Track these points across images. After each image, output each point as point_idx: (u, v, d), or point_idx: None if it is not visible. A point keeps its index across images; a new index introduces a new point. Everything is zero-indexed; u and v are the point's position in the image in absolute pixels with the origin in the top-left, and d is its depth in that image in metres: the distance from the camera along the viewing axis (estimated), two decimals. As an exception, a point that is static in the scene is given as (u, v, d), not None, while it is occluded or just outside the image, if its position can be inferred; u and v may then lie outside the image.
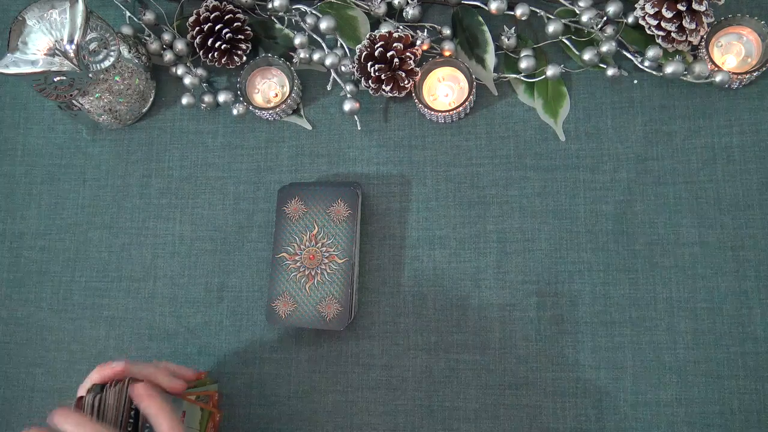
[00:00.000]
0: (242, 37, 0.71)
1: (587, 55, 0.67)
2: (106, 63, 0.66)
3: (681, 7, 0.62)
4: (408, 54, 0.66)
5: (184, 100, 0.72)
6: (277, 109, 0.70)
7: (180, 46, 0.73)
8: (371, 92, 0.68)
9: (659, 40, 0.65)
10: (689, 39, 0.64)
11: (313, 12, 0.71)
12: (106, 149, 0.75)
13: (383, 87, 0.67)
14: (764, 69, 0.64)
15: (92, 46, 0.65)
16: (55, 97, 0.66)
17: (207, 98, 0.72)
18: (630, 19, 0.66)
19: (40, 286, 0.73)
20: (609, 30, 0.67)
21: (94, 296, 0.72)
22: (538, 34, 0.70)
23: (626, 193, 0.66)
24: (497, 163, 0.68)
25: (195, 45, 0.72)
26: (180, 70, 0.73)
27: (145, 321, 0.70)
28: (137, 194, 0.73)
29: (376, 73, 0.66)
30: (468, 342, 0.65)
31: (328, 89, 0.72)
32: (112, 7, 0.75)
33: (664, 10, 0.63)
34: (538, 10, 0.68)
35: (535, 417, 0.63)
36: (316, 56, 0.70)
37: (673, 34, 0.64)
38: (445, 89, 0.70)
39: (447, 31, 0.70)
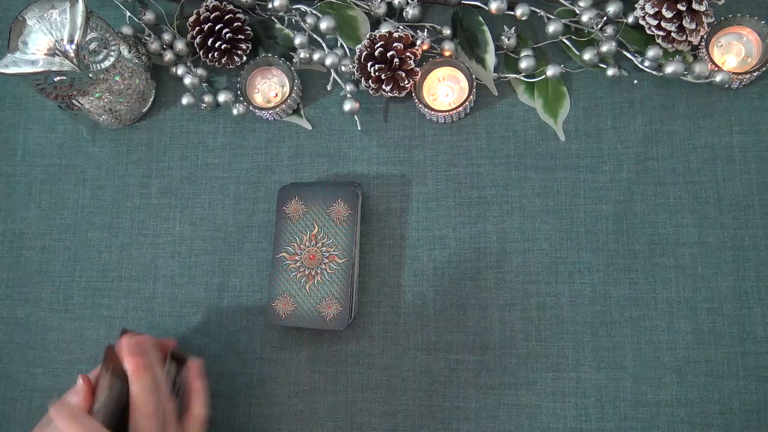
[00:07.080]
0: (242, 37, 0.71)
1: (587, 55, 0.67)
2: (106, 63, 0.66)
3: (681, 7, 0.62)
4: (408, 54, 0.66)
5: (184, 100, 0.72)
6: (277, 109, 0.70)
7: (180, 46, 0.73)
8: (371, 92, 0.68)
9: (659, 40, 0.65)
10: (689, 39, 0.64)
11: (313, 12, 0.71)
12: (106, 149, 0.75)
13: (383, 87, 0.67)
14: (764, 69, 0.64)
15: (92, 46, 0.65)
16: (55, 97, 0.66)
17: (207, 98, 0.72)
18: (630, 19, 0.66)
19: (40, 286, 0.73)
20: (609, 30, 0.67)
21: (94, 296, 0.72)
22: (538, 34, 0.70)
23: (626, 193, 0.66)
24: (497, 163, 0.68)
25: (195, 45, 0.72)
26: (180, 70, 0.73)
27: (145, 321, 0.70)
28: (137, 194, 0.73)
29: (376, 73, 0.66)
30: (468, 342, 0.65)
31: (328, 89, 0.72)
32: (112, 7, 0.75)
33: (664, 10, 0.63)
34: (538, 10, 0.68)
35: (535, 417, 0.63)
36: (316, 56, 0.70)
37: (673, 34, 0.64)
38: (445, 89, 0.70)
39: (447, 31, 0.70)
